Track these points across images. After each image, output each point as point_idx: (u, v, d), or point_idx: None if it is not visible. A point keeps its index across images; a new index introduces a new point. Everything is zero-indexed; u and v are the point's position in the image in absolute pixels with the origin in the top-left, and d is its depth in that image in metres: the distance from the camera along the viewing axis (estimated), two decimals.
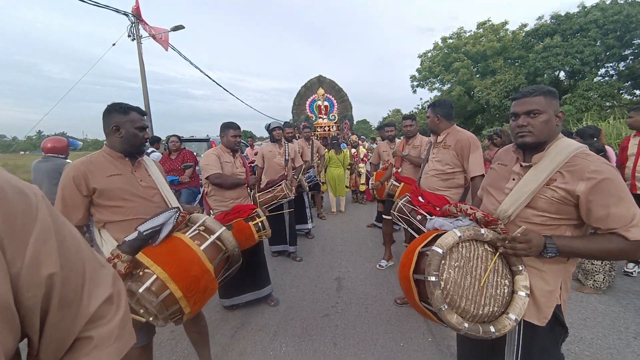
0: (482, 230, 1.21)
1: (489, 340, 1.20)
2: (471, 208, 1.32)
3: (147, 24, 11.16)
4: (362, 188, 7.36)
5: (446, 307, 1.11)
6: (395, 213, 2.28)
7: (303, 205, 4.66)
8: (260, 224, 2.43)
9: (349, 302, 2.90)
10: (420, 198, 1.99)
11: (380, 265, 3.65)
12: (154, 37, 11.00)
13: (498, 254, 1.21)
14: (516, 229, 1.18)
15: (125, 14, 10.93)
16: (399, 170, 3.24)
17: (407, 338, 2.37)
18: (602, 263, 2.88)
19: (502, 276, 1.21)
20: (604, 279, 2.89)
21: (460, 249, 1.20)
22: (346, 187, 7.32)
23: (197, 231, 1.58)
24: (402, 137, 3.50)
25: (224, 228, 1.62)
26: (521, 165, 1.27)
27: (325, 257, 4.09)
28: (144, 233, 1.38)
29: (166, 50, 11.18)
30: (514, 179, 1.29)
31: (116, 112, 1.56)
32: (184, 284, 1.33)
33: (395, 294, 2.96)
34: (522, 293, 1.17)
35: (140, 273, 1.34)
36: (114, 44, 11.33)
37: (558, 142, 1.20)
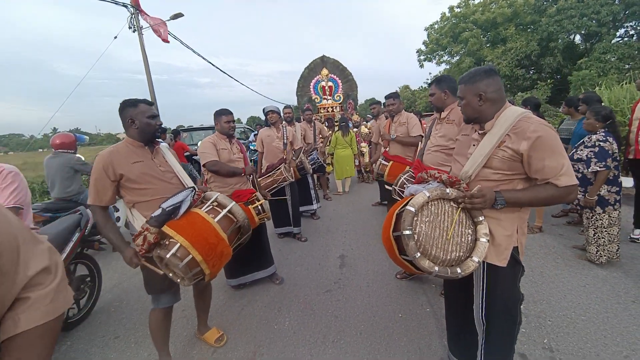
0: (448, 190, 1.43)
1: (465, 283, 1.51)
2: (438, 172, 1.56)
3: (147, 14, 11.09)
4: (367, 167, 7.35)
5: (419, 255, 1.33)
6: (396, 188, 2.33)
7: (307, 187, 4.72)
8: (259, 207, 2.51)
9: (351, 278, 3.00)
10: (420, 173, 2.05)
11: None
12: (154, 30, 10.94)
13: (461, 208, 1.43)
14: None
15: (125, 5, 10.89)
16: (387, 149, 3.25)
17: (406, 309, 2.45)
18: (593, 235, 2.84)
19: (465, 226, 1.43)
20: (597, 252, 2.84)
21: (430, 207, 1.43)
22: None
23: (211, 206, 1.83)
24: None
25: (234, 203, 1.86)
26: (478, 133, 1.49)
27: (330, 236, 4.18)
28: (167, 209, 1.62)
29: (167, 42, 11.12)
30: (474, 145, 1.49)
31: (128, 107, 1.78)
32: (203, 250, 1.57)
33: (397, 269, 3.03)
34: (483, 239, 1.40)
35: (167, 242, 1.59)
36: (115, 37, 11.35)
37: (505, 111, 1.41)
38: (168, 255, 1.53)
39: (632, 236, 3.29)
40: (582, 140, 2.90)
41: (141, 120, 1.77)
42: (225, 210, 1.82)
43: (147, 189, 1.78)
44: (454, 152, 1.70)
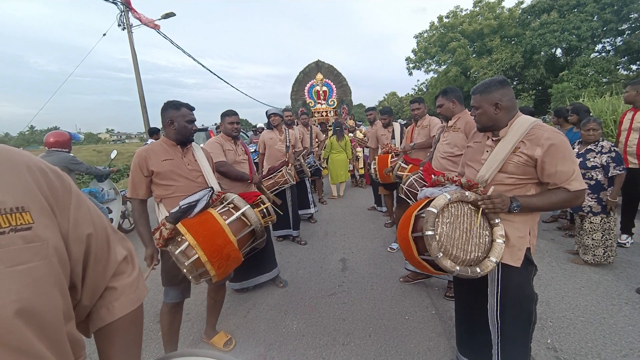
0: (467, 193, 1.50)
1: (476, 283, 1.57)
2: (457, 176, 1.64)
3: (136, 11, 10.91)
4: (361, 172, 7.42)
5: (441, 254, 1.37)
6: (405, 187, 2.38)
7: (305, 191, 4.73)
8: (265, 210, 2.50)
9: (354, 281, 3.02)
10: (433, 176, 2.10)
11: (391, 248, 3.70)
12: (144, 22, 10.75)
13: (481, 210, 1.48)
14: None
15: (114, 2, 10.68)
16: (409, 153, 3.31)
17: (412, 312, 2.49)
18: (601, 237, 2.98)
19: (483, 228, 1.50)
20: (604, 253, 2.97)
21: (450, 209, 1.48)
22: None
23: (226, 208, 1.86)
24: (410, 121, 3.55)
25: (248, 206, 1.87)
26: (492, 140, 1.56)
27: (328, 239, 4.20)
28: (182, 207, 1.70)
29: (158, 28, 10.96)
30: (487, 151, 1.57)
31: (170, 108, 1.89)
32: (209, 250, 1.59)
33: (399, 273, 3.07)
34: (499, 240, 1.46)
35: (179, 239, 1.64)
36: (104, 34, 11.13)
37: (518, 119, 1.49)
38: (177, 252, 1.59)
39: (619, 241, 3.45)
40: (588, 149, 3.05)
41: (180, 122, 1.88)
42: (238, 213, 1.82)
43: (171, 186, 1.87)
44: (467, 159, 1.76)
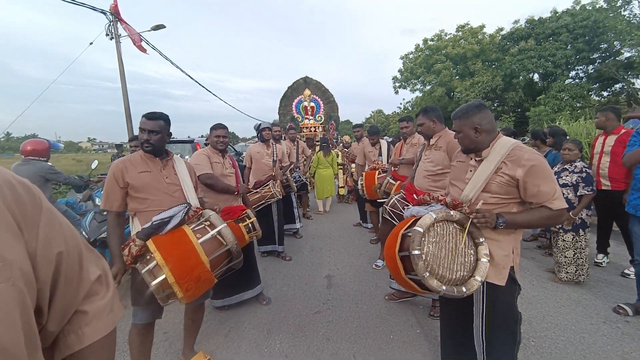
0: (452, 212, 1.52)
1: (462, 303, 1.56)
2: (441, 195, 1.67)
3: (126, 23, 10.87)
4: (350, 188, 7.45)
5: (428, 274, 1.37)
6: (388, 208, 2.38)
7: (291, 205, 4.71)
8: (250, 225, 2.46)
9: (339, 299, 2.97)
10: (415, 195, 2.11)
11: (376, 265, 3.68)
12: (133, 40, 10.72)
13: (467, 229, 1.49)
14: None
15: (103, 12, 10.62)
16: (397, 169, 3.34)
17: (397, 331, 2.46)
18: (573, 255, 3.07)
19: (468, 247, 1.51)
20: (576, 271, 3.06)
21: (436, 228, 1.49)
22: (341, 187, 7.36)
23: (202, 225, 1.75)
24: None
25: (224, 224, 1.76)
26: (476, 160, 1.60)
27: (314, 255, 4.15)
28: (154, 223, 1.61)
29: (145, 52, 10.92)
30: (471, 171, 1.61)
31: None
32: (178, 271, 1.49)
33: (384, 291, 3.05)
34: (484, 260, 1.48)
35: (148, 257, 1.56)
36: (91, 43, 10.97)
37: (500, 140, 1.55)
38: (143, 271, 1.50)
39: (596, 260, 3.56)
40: (563, 167, 3.17)
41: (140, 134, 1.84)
42: (213, 232, 1.73)
43: (146, 199, 1.80)
44: (451, 177, 1.80)
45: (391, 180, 3.22)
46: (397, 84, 29.52)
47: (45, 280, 0.54)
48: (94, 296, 0.65)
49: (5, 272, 0.45)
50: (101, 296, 0.66)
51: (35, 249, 0.53)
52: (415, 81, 28.31)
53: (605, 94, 20.79)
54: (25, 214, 0.52)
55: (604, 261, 3.55)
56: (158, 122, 1.83)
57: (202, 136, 9.50)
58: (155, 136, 1.82)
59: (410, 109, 31.14)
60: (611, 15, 17.75)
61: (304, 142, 7.02)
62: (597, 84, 20.31)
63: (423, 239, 1.43)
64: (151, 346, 1.91)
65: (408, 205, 2.09)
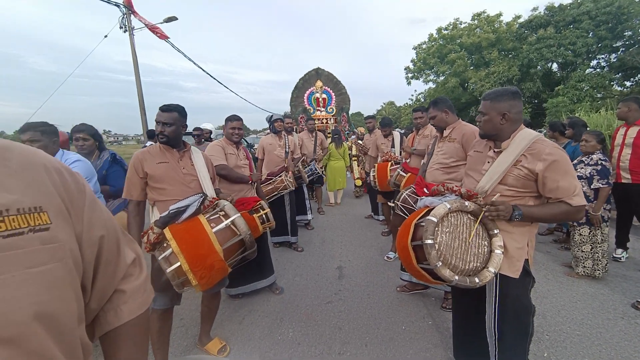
0: (466, 203, 1.51)
1: (475, 294, 1.56)
2: (456, 186, 1.65)
3: (139, 15, 10.97)
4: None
5: (440, 264, 1.37)
6: (399, 203, 2.37)
7: (302, 197, 4.73)
8: (264, 216, 2.49)
9: (350, 290, 3.00)
10: (425, 189, 2.08)
11: (388, 257, 3.68)
12: (151, 29, 10.83)
13: (480, 220, 1.49)
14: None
15: (117, 5, 10.73)
16: (408, 161, 3.31)
17: (408, 322, 2.48)
18: (590, 249, 3.00)
19: (482, 238, 1.51)
20: (592, 265, 3.01)
21: (450, 218, 1.49)
22: (357, 179, 7.35)
23: (217, 215, 1.78)
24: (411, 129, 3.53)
25: (238, 214, 1.78)
26: (494, 151, 1.57)
27: (325, 247, 4.18)
28: (171, 211, 1.67)
29: (167, 37, 11.05)
30: (488, 162, 1.58)
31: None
32: (191, 259, 1.54)
33: (396, 282, 3.06)
34: (497, 251, 1.47)
35: (165, 245, 1.61)
36: (105, 36, 11.14)
37: (521, 132, 1.50)
38: (159, 258, 1.56)
39: (614, 255, 3.47)
40: (580, 159, 3.09)
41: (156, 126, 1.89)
42: (227, 221, 1.75)
43: (164, 189, 1.86)
44: (466, 168, 1.77)
45: (402, 173, 3.19)
46: (410, 75, 28.96)
47: (89, 260, 0.58)
48: (130, 277, 0.69)
49: (60, 252, 0.49)
50: (136, 277, 0.70)
51: (81, 232, 0.57)
52: (429, 72, 27.73)
53: (628, 84, 19.91)
54: (72, 198, 0.56)
55: (623, 256, 3.46)
56: (172, 114, 1.88)
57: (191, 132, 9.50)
58: (169, 128, 1.87)
59: (422, 100, 30.62)
60: (637, 0, 16.91)
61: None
62: (620, 74, 19.44)
63: (436, 228, 1.43)
64: (170, 331, 1.98)
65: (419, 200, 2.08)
